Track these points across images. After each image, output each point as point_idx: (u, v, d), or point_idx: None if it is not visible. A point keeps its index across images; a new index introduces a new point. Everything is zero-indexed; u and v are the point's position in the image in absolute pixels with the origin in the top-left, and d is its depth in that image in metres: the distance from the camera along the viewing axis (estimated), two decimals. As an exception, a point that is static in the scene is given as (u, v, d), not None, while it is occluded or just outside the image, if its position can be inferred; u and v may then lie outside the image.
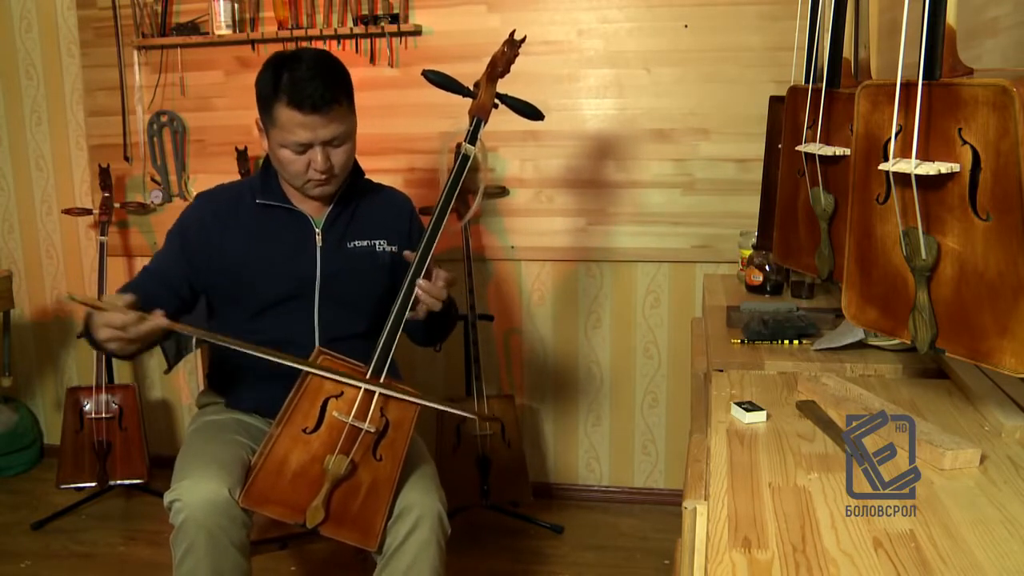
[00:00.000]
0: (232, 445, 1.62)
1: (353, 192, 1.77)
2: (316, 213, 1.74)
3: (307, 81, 1.56)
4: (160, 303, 1.65)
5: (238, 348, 1.54)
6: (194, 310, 1.80)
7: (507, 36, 1.80)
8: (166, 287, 1.69)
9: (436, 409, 1.68)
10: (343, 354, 1.60)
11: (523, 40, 1.81)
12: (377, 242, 1.77)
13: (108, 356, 2.80)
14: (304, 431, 1.54)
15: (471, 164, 1.71)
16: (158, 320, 1.46)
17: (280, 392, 1.56)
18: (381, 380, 1.59)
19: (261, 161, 1.75)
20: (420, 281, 1.60)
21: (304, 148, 1.61)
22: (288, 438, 1.53)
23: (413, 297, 1.61)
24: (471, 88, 1.77)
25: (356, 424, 1.55)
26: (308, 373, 1.55)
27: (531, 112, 1.83)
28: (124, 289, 1.67)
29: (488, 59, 1.78)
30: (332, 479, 1.52)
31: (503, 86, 1.79)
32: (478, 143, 1.75)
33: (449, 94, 1.83)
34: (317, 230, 1.73)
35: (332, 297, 1.73)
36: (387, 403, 1.59)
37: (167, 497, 1.51)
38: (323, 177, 1.65)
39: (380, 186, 1.88)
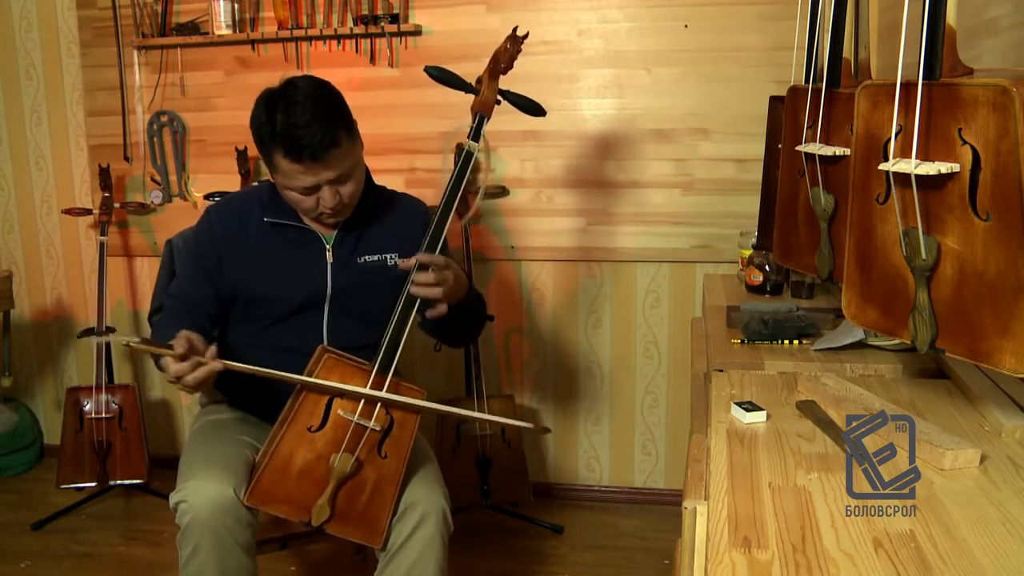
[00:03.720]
0: (236, 445, 1.63)
1: (364, 206, 1.73)
2: (326, 230, 1.72)
3: (303, 128, 1.51)
4: (200, 329, 1.61)
5: (292, 379, 1.54)
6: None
7: (509, 33, 1.80)
8: (200, 313, 1.68)
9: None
10: None
11: (526, 36, 1.80)
12: (388, 256, 1.75)
13: (108, 359, 2.81)
14: (309, 429, 1.54)
15: (473, 165, 1.71)
16: (212, 364, 1.45)
17: (284, 393, 1.56)
18: (387, 378, 1.59)
19: (265, 169, 1.73)
20: (414, 275, 1.58)
21: (311, 190, 1.59)
22: (293, 436, 1.54)
23: (414, 297, 1.61)
24: (473, 85, 1.76)
25: (361, 422, 1.55)
26: (312, 372, 1.56)
27: (533, 108, 1.83)
28: (163, 323, 1.65)
29: (489, 58, 1.78)
30: (337, 477, 1.52)
31: (504, 84, 1.79)
32: (481, 140, 1.74)
33: (448, 94, 1.83)
34: (328, 247, 1.72)
35: (342, 311, 1.72)
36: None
37: (173, 498, 1.52)
38: (333, 211, 1.63)
39: (393, 194, 1.85)
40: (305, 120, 1.51)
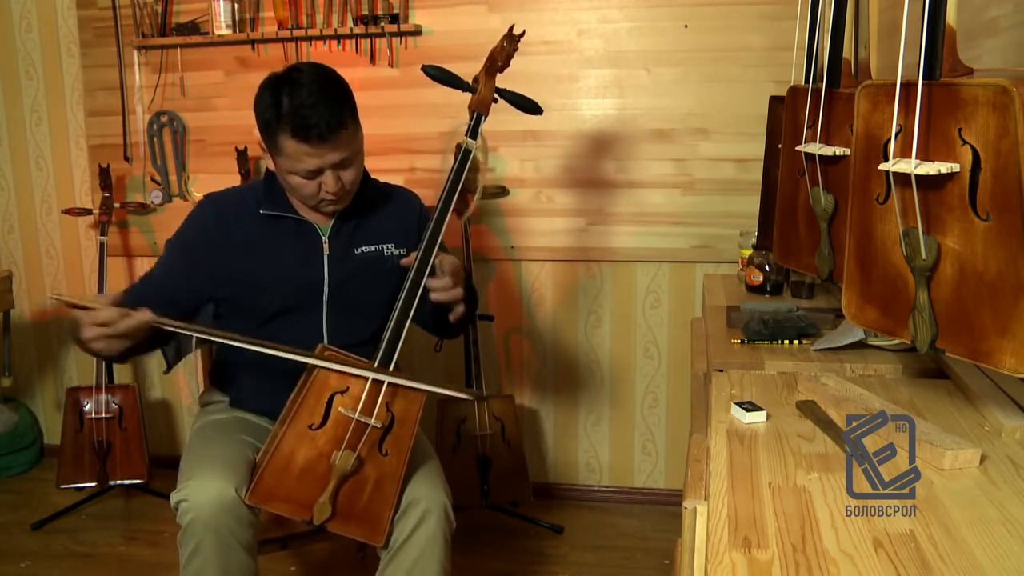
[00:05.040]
0: (237, 444, 1.63)
1: (360, 198, 1.74)
2: (322, 221, 1.72)
3: (310, 108, 1.51)
4: (163, 312, 1.64)
5: (235, 343, 1.55)
6: (196, 317, 1.80)
7: (506, 31, 1.80)
8: (165, 295, 1.67)
9: (443, 395, 1.70)
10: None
11: (522, 35, 1.81)
12: (384, 246, 1.76)
13: (99, 358, 2.80)
14: (310, 427, 1.54)
15: (471, 162, 1.71)
16: (143, 315, 1.45)
17: (284, 392, 1.56)
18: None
19: (264, 168, 1.73)
20: (429, 282, 1.61)
21: (314, 174, 1.59)
22: (294, 435, 1.54)
23: (423, 297, 1.62)
24: (470, 83, 1.77)
25: (362, 419, 1.56)
26: (313, 369, 1.56)
27: (530, 106, 1.83)
28: (127, 295, 1.65)
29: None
30: (339, 475, 1.52)
31: (502, 83, 1.79)
32: (479, 139, 1.75)
33: (449, 94, 1.83)
34: (324, 238, 1.72)
35: (340, 303, 1.73)
36: (393, 398, 1.59)
37: (174, 498, 1.52)
38: (335, 197, 1.63)
39: (388, 187, 1.85)
40: (312, 101, 1.52)
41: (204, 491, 1.48)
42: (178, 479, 1.56)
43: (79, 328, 1.46)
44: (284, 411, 1.55)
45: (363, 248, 1.74)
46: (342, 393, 1.57)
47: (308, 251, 1.71)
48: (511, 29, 1.80)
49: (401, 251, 1.76)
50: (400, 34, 2.63)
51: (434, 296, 1.62)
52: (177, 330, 1.52)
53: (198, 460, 1.57)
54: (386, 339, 1.60)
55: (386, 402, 1.58)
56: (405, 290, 1.61)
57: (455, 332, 1.91)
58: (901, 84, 1.02)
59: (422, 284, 1.62)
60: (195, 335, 1.57)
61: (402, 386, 1.60)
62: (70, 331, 1.54)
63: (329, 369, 1.56)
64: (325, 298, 1.72)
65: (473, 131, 1.73)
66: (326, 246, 1.72)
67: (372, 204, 1.77)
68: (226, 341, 1.55)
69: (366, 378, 1.57)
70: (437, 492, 1.60)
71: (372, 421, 1.56)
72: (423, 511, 1.57)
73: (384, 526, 1.56)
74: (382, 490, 1.56)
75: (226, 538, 1.48)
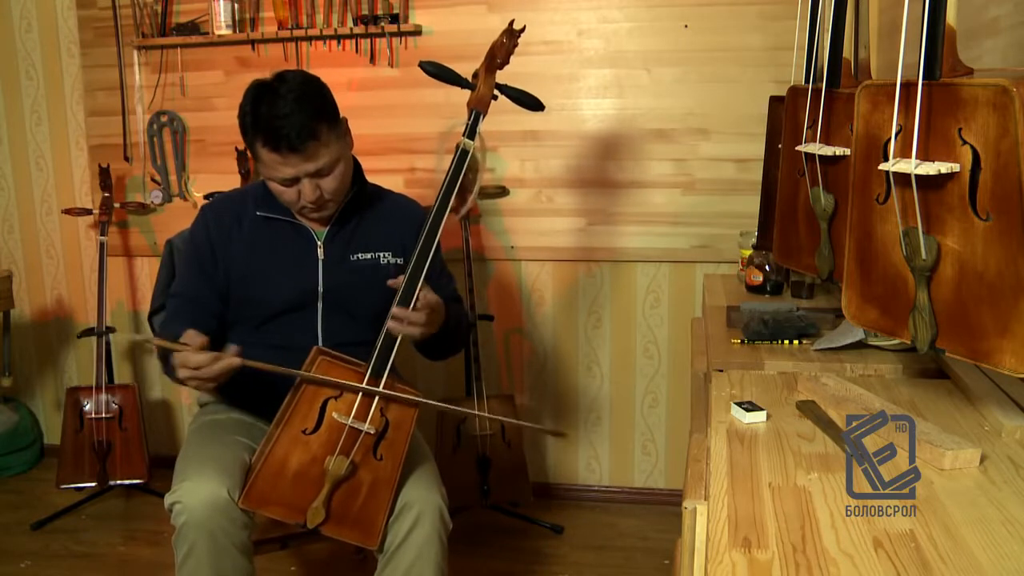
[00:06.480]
0: (233, 445, 1.62)
1: (357, 204, 1.74)
2: (318, 226, 1.73)
3: (283, 119, 1.52)
4: (206, 327, 1.62)
5: (286, 374, 1.54)
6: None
7: (506, 26, 1.78)
8: (204, 308, 1.69)
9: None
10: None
11: (522, 30, 1.78)
12: (381, 254, 1.75)
13: (108, 359, 2.81)
14: (304, 432, 1.54)
15: (469, 163, 1.69)
16: (231, 360, 1.47)
17: (282, 393, 1.56)
18: (382, 381, 1.58)
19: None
20: (395, 310, 1.57)
21: (291, 182, 1.60)
22: (288, 439, 1.53)
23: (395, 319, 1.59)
24: (469, 80, 1.75)
25: (356, 425, 1.55)
26: (307, 370, 1.55)
27: (531, 102, 1.80)
28: (167, 323, 1.68)
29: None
30: (332, 480, 1.52)
31: (501, 80, 1.77)
32: (477, 138, 1.73)
33: (450, 93, 1.82)
34: (319, 243, 1.72)
35: (335, 308, 1.72)
36: (387, 403, 1.59)
37: (168, 499, 1.52)
38: (314, 205, 1.64)
39: (388, 193, 1.85)
40: (286, 111, 1.53)
41: (197, 493, 1.48)
42: (173, 480, 1.56)
43: (174, 367, 1.48)
44: (278, 415, 1.54)
45: (359, 255, 1.74)
46: (336, 398, 1.56)
47: (303, 255, 1.71)
48: (511, 24, 1.78)
49: (398, 260, 1.75)
50: (400, 34, 2.63)
51: (390, 324, 1.57)
52: (263, 370, 1.52)
53: (192, 461, 1.57)
54: (378, 349, 1.59)
55: (380, 407, 1.58)
56: (398, 297, 1.59)
57: (436, 357, 1.89)
58: (901, 84, 1.02)
59: (416, 291, 1.59)
60: (275, 373, 1.54)
61: (393, 397, 1.59)
62: (163, 366, 1.58)
63: (327, 384, 1.55)
64: (320, 302, 1.72)
65: (471, 130, 1.70)
66: (321, 251, 1.72)
67: (371, 211, 1.76)
68: (283, 373, 1.54)
69: (364, 387, 1.56)
70: (432, 494, 1.59)
71: (366, 427, 1.56)
72: (418, 514, 1.56)
73: (378, 530, 1.55)
74: (376, 494, 1.56)
75: (220, 540, 1.48)
